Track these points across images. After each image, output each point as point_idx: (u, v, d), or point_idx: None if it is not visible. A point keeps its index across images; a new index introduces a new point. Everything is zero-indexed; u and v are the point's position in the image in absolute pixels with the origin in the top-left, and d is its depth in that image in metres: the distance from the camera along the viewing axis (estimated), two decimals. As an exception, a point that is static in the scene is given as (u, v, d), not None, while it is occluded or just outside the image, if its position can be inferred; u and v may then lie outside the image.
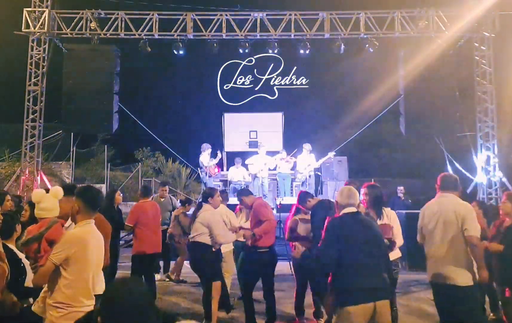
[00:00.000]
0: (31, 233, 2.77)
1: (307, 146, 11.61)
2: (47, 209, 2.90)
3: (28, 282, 3.26)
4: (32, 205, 5.41)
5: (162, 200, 7.87)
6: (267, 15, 12.44)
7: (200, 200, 5.40)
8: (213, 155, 11.88)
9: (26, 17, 12.11)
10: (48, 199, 2.93)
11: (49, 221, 2.81)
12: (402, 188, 11.92)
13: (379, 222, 4.11)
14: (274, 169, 11.86)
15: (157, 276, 7.79)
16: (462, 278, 3.57)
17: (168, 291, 7.25)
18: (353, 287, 3.08)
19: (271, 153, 12.11)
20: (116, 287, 1.70)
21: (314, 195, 11.67)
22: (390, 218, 4.60)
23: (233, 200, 8.50)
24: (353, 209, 3.34)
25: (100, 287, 3.17)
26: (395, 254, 4.64)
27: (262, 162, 11.44)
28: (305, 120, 18.16)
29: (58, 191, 3.04)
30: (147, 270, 6.09)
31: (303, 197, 5.35)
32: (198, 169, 12.42)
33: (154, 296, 6.14)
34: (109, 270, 5.88)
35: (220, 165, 12.39)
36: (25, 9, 12.15)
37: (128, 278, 1.82)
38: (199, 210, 5.23)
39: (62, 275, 2.77)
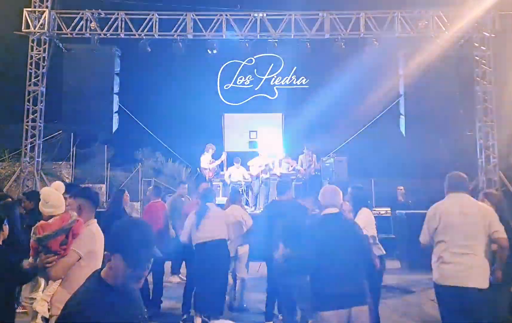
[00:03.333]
0: (49, 228, 2.77)
1: (307, 147, 11.61)
2: (56, 206, 2.92)
3: None
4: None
5: (182, 199, 7.53)
6: (267, 15, 12.44)
7: (204, 201, 5.23)
8: (217, 156, 11.79)
9: (26, 17, 12.11)
10: (56, 195, 2.95)
11: (70, 216, 2.84)
12: (402, 188, 11.94)
13: None
14: (271, 170, 11.83)
15: (176, 279, 7.74)
16: (484, 280, 3.55)
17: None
18: (327, 292, 2.98)
19: (271, 153, 12.10)
20: (124, 222, 1.89)
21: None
22: (360, 216, 4.47)
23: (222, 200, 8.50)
24: (334, 210, 3.22)
25: None
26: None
27: (264, 163, 11.43)
28: (305, 120, 18.15)
29: (60, 185, 3.08)
30: (155, 272, 6.03)
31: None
32: (198, 169, 12.40)
33: (160, 296, 6.12)
34: None
35: (220, 165, 12.35)
36: (25, 9, 12.16)
37: (133, 218, 2.03)
38: (208, 210, 5.12)
39: (82, 270, 2.80)
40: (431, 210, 3.86)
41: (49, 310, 2.84)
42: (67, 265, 2.78)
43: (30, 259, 2.95)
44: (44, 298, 2.85)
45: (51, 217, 2.91)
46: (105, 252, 1.80)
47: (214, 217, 5.09)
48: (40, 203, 2.95)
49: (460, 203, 3.73)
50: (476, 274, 3.55)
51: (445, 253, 3.67)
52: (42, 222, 2.87)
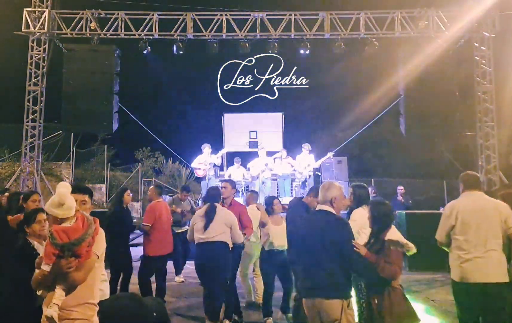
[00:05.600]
0: (74, 232, 2.69)
1: (306, 147, 11.61)
2: (71, 207, 2.85)
3: None
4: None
5: (183, 203, 7.89)
6: (267, 15, 12.43)
7: (212, 201, 5.11)
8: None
9: (26, 17, 12.10)
10: (71, 198, 2.89)
11: (85, 217, 2.80)
12: (401, 188, 11.92)
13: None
14: (271, 170, 11.84)
15: (178, 279, 7.74)
16: (504, 274, 3.60)
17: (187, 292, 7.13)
18: (299, 283, 3.35)
19: (271, 153, 12.10)
20: (110, 304, 1.64)
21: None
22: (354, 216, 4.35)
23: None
24: (320, 206, 3.35)
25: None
26: None
27: (263, 163, 11.43)
28: (305, 120, 18.21)
29: (68, 185, 3.00)
30: (158, 271, 6.01)
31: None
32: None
33: (163, 296, 6.08)
34: (124, 272, 5.86)
35: (220, 166, 12.33)
36: (25, 9, 12.15)
37: (123, 295, 1.77)
38: (216, 210, 5.03)
39: (95, 271, 2.78)
40: (448, 208, 3.94)
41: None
42: (90, 267, 2.72)
43: (45, 267, 2.68)
44: (55, 301, 2.72)
45: (62, 219, 2.78)
46: None
47: (221, 218, 5.01)
48: (53, 204, 2.81)
49: (476, 200, 3.81)
50: (495, 269, 3.60)
51: (464, 251, 3.72)
52: (58, 226, 2.73)
